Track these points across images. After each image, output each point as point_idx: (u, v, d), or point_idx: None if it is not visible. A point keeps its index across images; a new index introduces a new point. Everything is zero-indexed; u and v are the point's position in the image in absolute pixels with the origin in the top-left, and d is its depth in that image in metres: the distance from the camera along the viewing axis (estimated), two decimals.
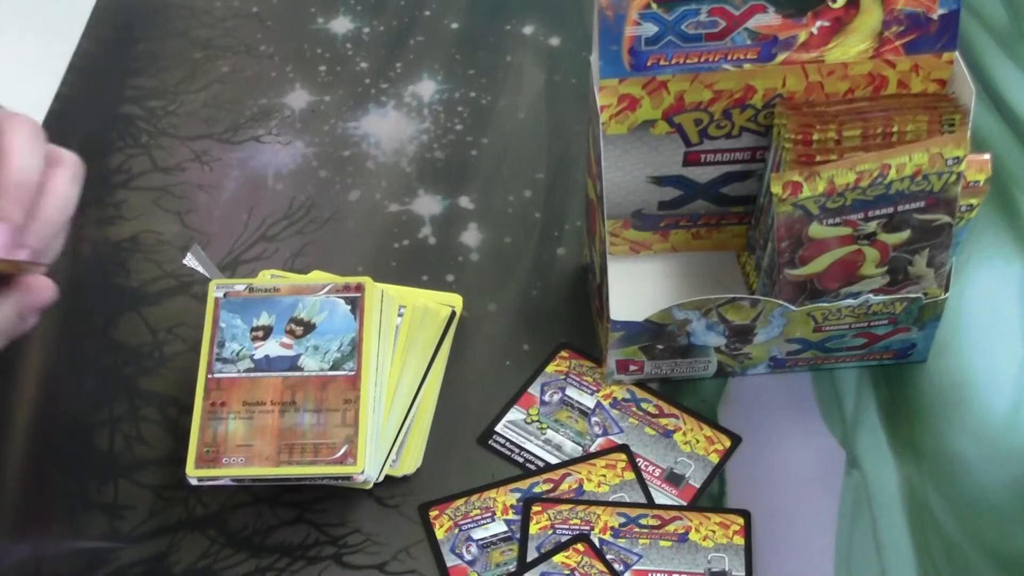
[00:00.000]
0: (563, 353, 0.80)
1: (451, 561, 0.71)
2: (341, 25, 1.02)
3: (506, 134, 0.94)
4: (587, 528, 0.72)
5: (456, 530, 0.72)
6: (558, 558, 0.70)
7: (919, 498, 0.73)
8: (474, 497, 0.73)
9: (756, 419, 0.77)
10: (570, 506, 0.73)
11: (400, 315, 0.77)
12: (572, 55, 0.99)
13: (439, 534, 0.72)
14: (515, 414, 0.77)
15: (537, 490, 0.74)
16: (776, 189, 0.69)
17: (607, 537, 0.71)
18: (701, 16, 0.70)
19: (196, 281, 0.85)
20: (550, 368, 0.79)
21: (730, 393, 0.78)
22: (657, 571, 0.70)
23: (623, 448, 0.75)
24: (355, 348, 0.73)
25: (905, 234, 0.71)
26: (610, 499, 0.73)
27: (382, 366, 0.74)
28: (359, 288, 0.75)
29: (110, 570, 0.71)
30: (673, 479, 0.74)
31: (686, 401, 0.78)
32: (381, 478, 0.72)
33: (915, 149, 0.69)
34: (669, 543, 0.71)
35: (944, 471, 0.74)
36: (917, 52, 0.72)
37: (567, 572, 0.70)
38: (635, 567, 0.70)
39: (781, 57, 0.72)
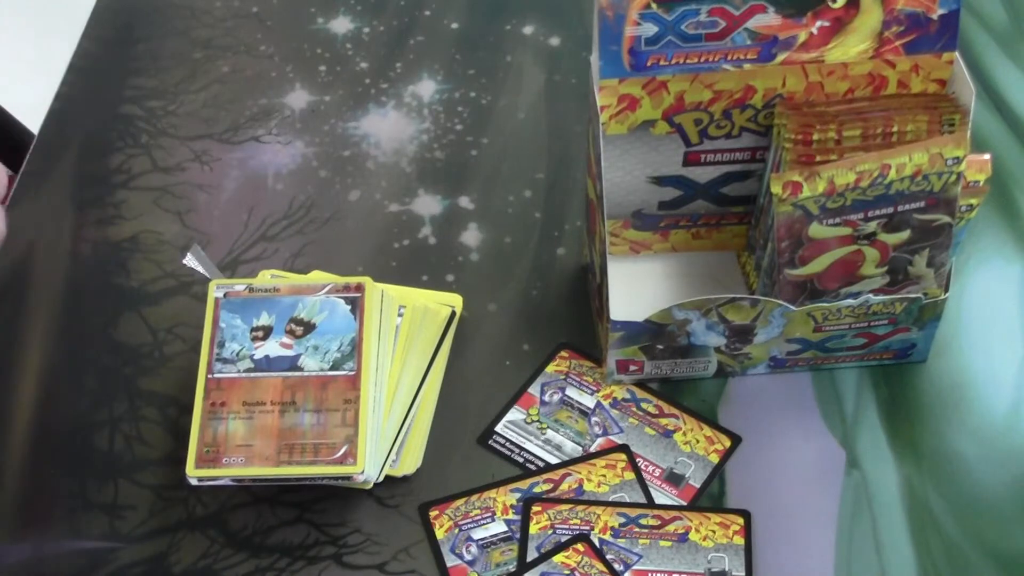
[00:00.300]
0: (563, 353, 0.80)
1: (451, 561, 0.71)
2: (341, 25, 1.02)
3: (506, 134, 0.94)
4: (587, 528, 0.72)
5: (456, 530, 0.72)
6: (558, 558, 0.70)
7: (919, 498, 0.73)
8: (474, 497, 0.73)
9: (756, 419, 0.77)
10: (570, 506, 0.73)
11: (400, 315, 0.77)
12: (572, 55, 0.99)
13: (439, 534, 0.72)
14: (515, 414, 0.77)
15: (537, 490, 0.74)
16: (776, 189, 0.69)
17: (607, 537, 0.71)
18: (701, 16, 0.70)
19: (196, 281, 0.85)
20: (550, 368, 0.79)
21: (730, 393, 0.78)
22: (657, 571, 0.70)
23: (623, 448, 0.75)
24: (355, 348, 0.73)
25: (905, 234, 0.71)
26: (610, 499, 0.73)
27: (382, 366, 0.74)
28: (359, 288, 0.75)
29: (110, 570, 0.71)
30: (673, 479, 0.74)
31: (686, 401, 0.78)
32: (381, 478, 0.72)
33: (915, 149, 0.69)
34: (669, 543, 0.71)
35: (944, 471, 0.74)
36: (917, 52, 0.72)
37: (567, 572, 0.70)
38: (635, 567, 0.70)
39: (781, 57, 0.72)
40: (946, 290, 0.74)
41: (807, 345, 0.76)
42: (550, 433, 0.76)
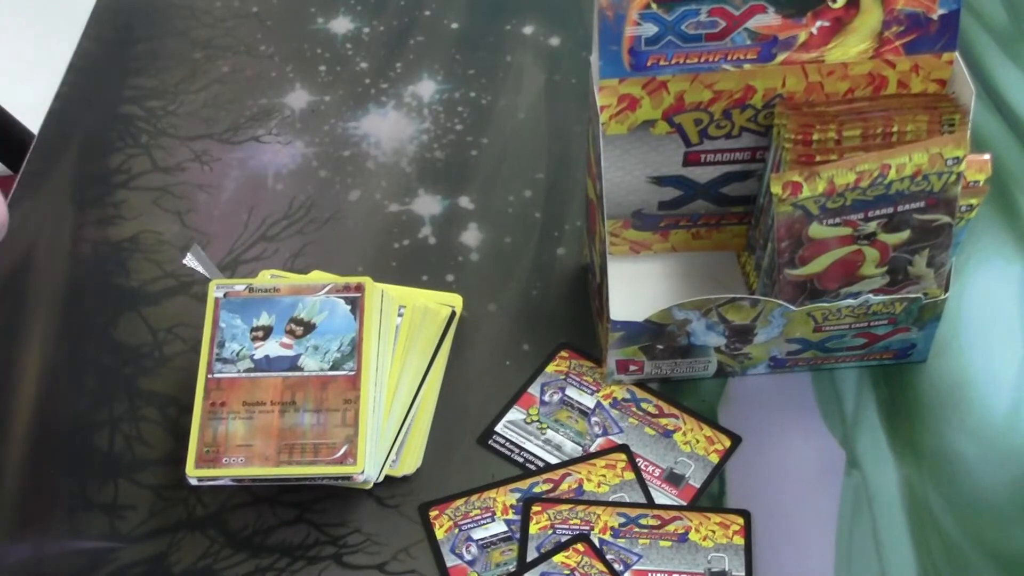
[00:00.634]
0: (563, 353, 0.80)
1: (451, 561, 0.71)
2: (341, 25, 1.02)
3: (506, 134, 0.94)
4: (587, 528, 0.72)
5: (456, 530, 0.72)
6: (558, 558, 0.70)
7: (919, 498, 0.73)
8: (474, 497, 0.73)
9: (756, 419, 0.77)
10: (570, 506, 0.73)
11: (400, 315, 0.77)
12: (572, 55, 0.99)
13: (439, 534, 0.72)
14: (515, 414, 0.77)
15: (537, 490, 0.74)
16: (776, 189, 0.69)
17: (607, 537, 0.71)
18: (701, 16, 0.70)
19: (196, 281, 0.85)
20: (550, 368, 0.79)
21: (730, 393, 0.78)
22: (657, 571, 0.70)
23: (623, 448, 0.75)
24: (355, 348, 0.73)
25: (905, 234, 0.71)
26: (610, 499, 0.73)
27: (382, 366, 0.74)
28: (359, 288, 0.75)
29: (110, 570, 0.71)
30: (673, 479, 0.74)
31: (686, 401, 0.78)
32: (381, 478, 0.72)
33: (915, 149, 0.69)
34: (669, 543, 0.71)
35: (944, 471, 0.74)
36: (917, 52, 0.72)
37: (567, 572, 0.70)
38: (635, 567, 0.70)
39: (781, 57, 0.72)
40: (946, 290, 0.74)
41: (807, 345, 0.76)
42: (550, 433, 0.76)
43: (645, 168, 0.77)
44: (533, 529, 0.72)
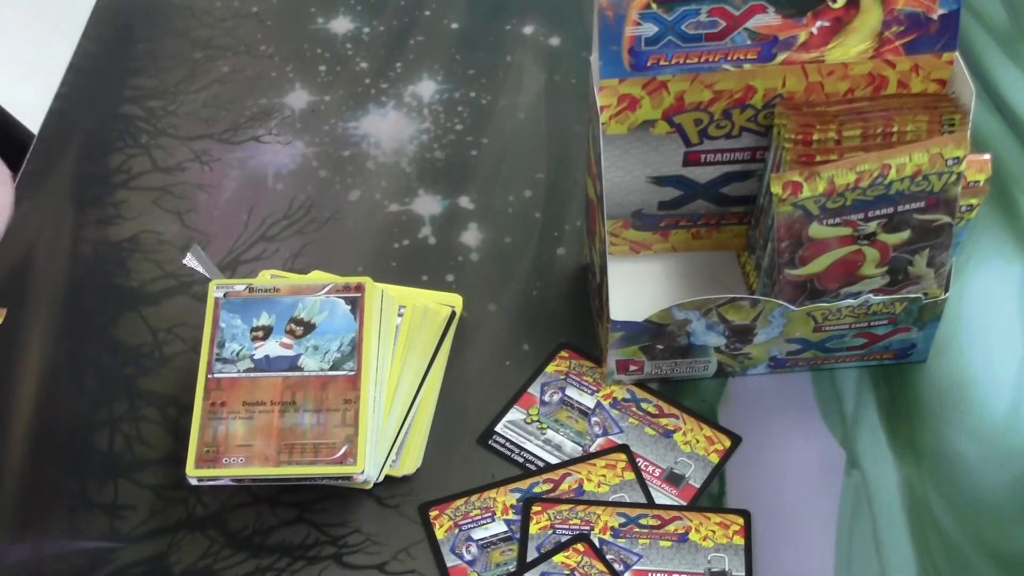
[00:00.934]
0: (563, 353, 0.80)
1: (451, 561, 0.71)
2: (341, 25, 1.02)
3: (506, 134, 0.94)
4: (587, 528, 0.72)
5: (456, 530, 0.72)
6: (558, 558, 0.70)
7: (919, 498, 0.73)
8: (474, 497, 0.73)
9: (756, 419, 0.77)
10: (570, 506, 0.73)
11: (400, 315, 0.77)
12: (572, 55, 0.99)
13: (439, 534, 0.72)
14: (515, 414, 0.77)
15: (537, 490, 0.74)
16: (776, 189, 0.69)
17: (607, 537, 0.71)
18: (701, 16, 0.70)
19: (196, 281, 0.85)
20: (550, 368, 0.79)
21: (730, 393, 0.78)
22: (657, 571, 0.70)
23: (623, 448, 0.75)
24: (355, 348, 0.73)
25: (905, 234, 0.71)
26: (610, 499, 0.73)
27: (382, 366, 0.74)
28: (359, 288, 0.75)
29: (110, 570, 0.71)
30: (673, 479, 0.74)
31: (686, 401, 0.78)
32: (381, 478, 0.72)
33: (915, 149, 0.69)
34: (669, 543, 0.71)
35: (944, 471, 0.74)
36: (917, 52, 0.72)
37: (567, 572, 0.70)
38: (635, 567, 0.70)
39: (781, 57, 0.72)
40: (946, 290, 0.74)
41: (807, 345, 0.76)
42: (550, 433, 0.76)
43: (645, 168, 0.77)
44: (533, 529, 0.72)
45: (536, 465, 0.75)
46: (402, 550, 0.72)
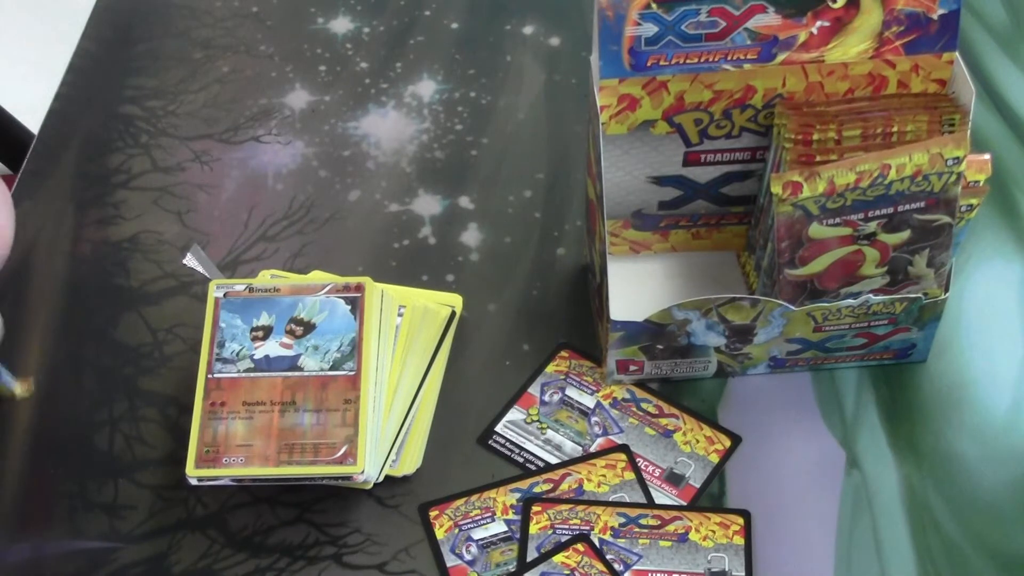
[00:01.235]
0: (563, 353, 0.80)
1: (451, 561, 0.71)
2: (341, 25, 1.02)
3: (506, 134, 0.94)
4: (587, 528, 0.72)
5: (456, 530, 0.72)
6: (558, 558, 0.70)
7: (919, 498, 0.73)
8: (474, 497, 0.73)
9: (756, 419, 0.77)
10: (570, 506, 0.73)
11: (400, 315, 0.77)
12: (572, 55, 0.99)
13: (439, 534, 0.72)
14: (515, 414, 0.77)
15: (537, 490, 0.74)
16: (776, 189, 0.69)
17: (607, 537, 0.71)
18: (701, 16, 0.70)
19: (196, 281, 0.85)
20: (550, 368, 0.79)
21: (730, 393, 0.78)
22: (657, 571, 0.70)
23: (623, 448, 0.75)
24: (355, 348, 0.73)
25: (905, 234, 0.71)
26: (610, 499, 0.73)
27: (382, 366, 0.74)
28: (359, 288, 0.75)
29: (110, 570, 0.71)
30: (673, 479, 0.74)
31: (686, 401, 0.78)
32: (381, 478, 0.72)
33: (915, 149, 0.69)
34: (669, 543, 0.71)
35: (944, 471, 0.74)
36: (917, 52, 0.72)
37: (567, 572, 0.70)
38: (635, 567, 0.70)
39: (781, 57, 0.72)
40: (946, 290, 0.74)
41: (807, 345, 0.76)
42: (550, 433, 0.76)
43: (645, 168, 0.77)
44: (533, 529, 0.72)
45: (536, 465, 0.75)
46: (402, 550, 0.72)
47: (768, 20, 0.70)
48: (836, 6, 0.70)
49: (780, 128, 0.73)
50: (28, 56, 1.00)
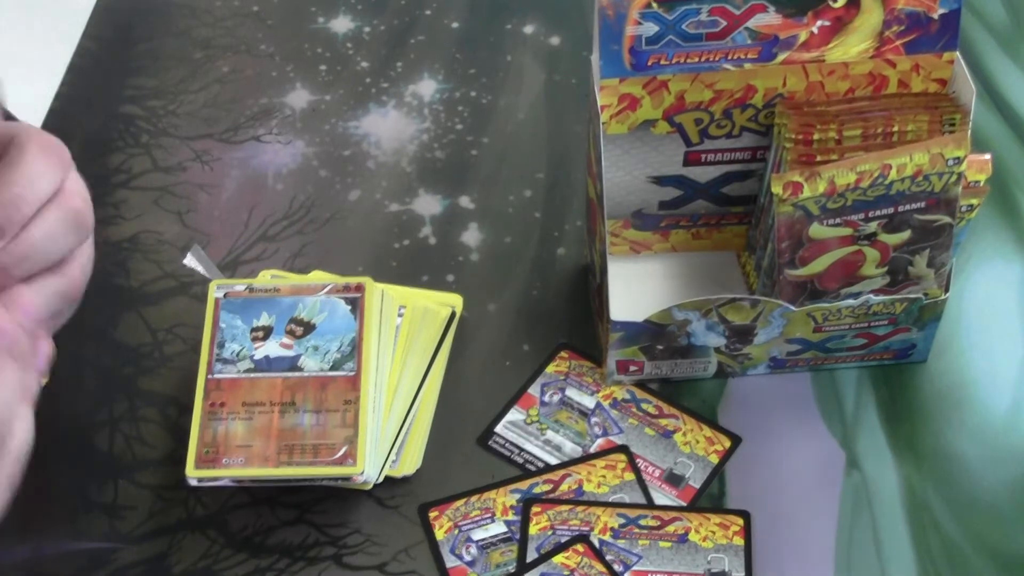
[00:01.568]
0: (563, 353, 0.80)
1: (451, 562, 0.71)
2: (342, 24, 1.02)
3: (506, 134, 0.93)
4: (587, 529, 0.72)
5: (456, 531, 0.72)
6: (558, 559, 0.70)
7: (919, 498, 0.73)
8: (474, 498, 0.73)
9: (756, 419, 0.77)
10: (570, 507, 0.72)
11: (400, 315, 0.77)
12: (572, 55, 0.99)
13: (439, 535, 0.72)
14: (515, 414, 0.77)
15: (537, 491, 0.74)
16: (777, 189, 0.69)
17: (607, 538, 0.71)
18: (702, 16, 0.69)
19: (196, 281, 0.85)
20: (550, 368, 0.79)
21: (730, 393, 0.78)
22: (657, 572, 0.70)
23: (623, 449, 0.75)
24: (355, 348, 0.73)
25: (905, 234, 0.71)
26: (610, 500, 0.73)
27: (382, 366, 0.74)
28: (359, 288, 0.75)
29: (110, 570, 0.71)
30: (673, 480, 0.74)
31: (686, 401, 0.78)
32: (381, 479, 0.72)
33: (916, 149, 0.68)
34: (669, 544, 0.71)
35: (944, 471, 0.74)
36: (918, 52, 0.72)
37: (567, 573, 0.70)
38: (635, 568, 0.70)
39: (782, 57, 0.72)
40: (946, 290, 0.74)
41: (807, 345, 0.76)
42: (550, 434, 0.76)
43: (645, 168, 0.77)
44: (533, 530, 0.72)
45: (536, 466, 0.75)
46: (402, 551, 0.72)
47: (769, 20, 0.70)
48: (836, 6, 0.70)
49: (780, 128, 0.73)
50: (28, 56, 1.00)
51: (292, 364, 0.72)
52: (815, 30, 0.71)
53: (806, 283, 0.72)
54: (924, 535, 0.72)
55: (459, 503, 0.73)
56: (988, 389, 0.78)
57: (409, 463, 0.74)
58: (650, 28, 0.70)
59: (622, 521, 0.72)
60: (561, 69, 0.98)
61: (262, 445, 0.69)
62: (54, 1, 1.06)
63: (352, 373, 0.72)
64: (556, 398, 0.78)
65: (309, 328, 0.73)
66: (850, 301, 0.72)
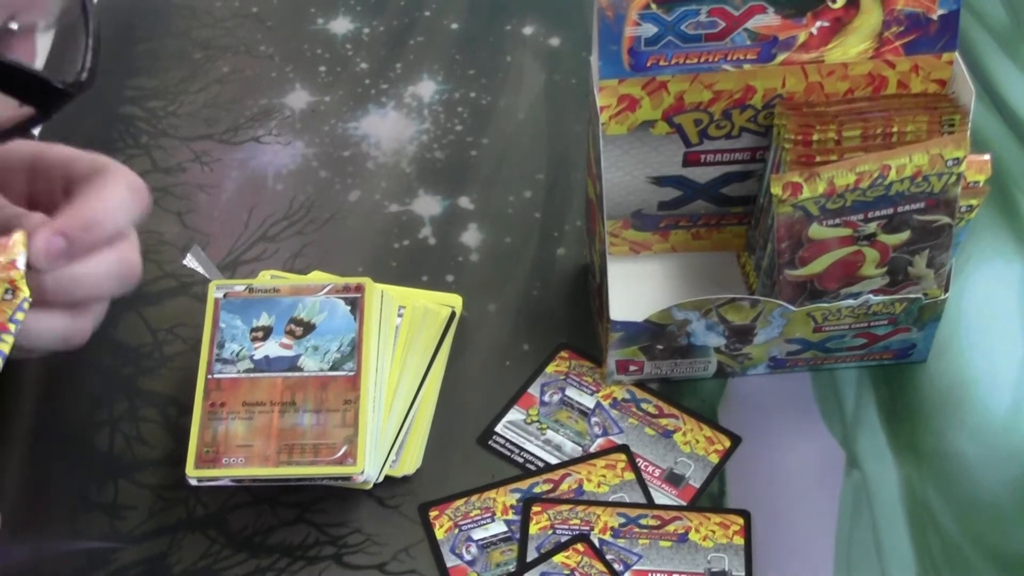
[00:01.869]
0: (563, 353, 0.80)
1: (451, 561, 0.71)
2: (341, 25, 1.02)
3: (506, 134, 0.94)
4: (587, 528, 0.72)
5: (456, 530, 0.72)
6: (558, 558, 0.70)
7: (919, 498, 0.73)
8: (474, 497, 0.73)
9: (756, 419, 0.77)
10: (570, 506, 0.73)
11: (400, 315, 0.77)
12: (572, 55, 0.99)
13: (439, 534, 0.72)
14: (515, 414, 0.77)
15: (537, 490, 0.74)
16: (776, 190, 0.69)
17: (607, 537, 0.71)
18: (701, 16, 0.70)
19: (196, 281, 0.85)
20: (550, 368, 0.79)
21: (730, 393, 0.78)
22: (657, 571, 0.70)
23: (623, 448, 0.75)
24: (355, 348, 0.73)
25: (905, 235, 0.71)
26: (610, 499, 0.73)
27: (382, 366, 0.74)
28: (359, 288, 0.75)
29: (110, 570, 0.71)
30: (673, 479, 0.74)
31: (686, 401, 0.78)
32: (381, 478, 0.72)
33: (915, 150, 0.69)
34: (669, 543, 0.71)
35: (944, 471, 0.74)
36: (917, 52, 0.72)
37: (567, 572, 0.70)
38: (635, 567, 0.70)
39: (781, 57, 0.72)
40: (946, 290, 0.74)
41: (807, 345, 0.76)
42: (550, 433, 0.76)
43: (645, 168, 0.77)
44: (533, 529, 0.72)
45: (536, 465, 0.75)
46: (402, 550, 0.72)
47: (768, 20, 0.70)
48: (836, 6, 0.70)
49: (780, 128, 0.73)
50: None
51: (292, 364, 0.72)
52: (814, 31, 0.71)
53: (806, 283, 0.72)
54: (924, 535, 0.72)
55: (459, 503, 0.73)
56: (988, 389, 0.78)
57: (409, 463, 0.74)
58: (649, 29, 0.70)
59: (622, 520, 0.72)
60: (561, 69, 0.98)
61: (262, 445, 0.69)
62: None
63: (352, 373, 0.72)
64: (556, 398, 0.78)
65: (309, 328, 0.74)
66: (850, 301, 0.72)
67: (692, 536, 0.71)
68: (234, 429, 0.70)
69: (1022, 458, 0.75)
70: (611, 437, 0.76)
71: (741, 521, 0.72)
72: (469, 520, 0.72)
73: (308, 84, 0.98)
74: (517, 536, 0.72)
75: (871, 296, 0.72)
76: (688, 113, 0.74)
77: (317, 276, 0.83)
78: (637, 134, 0.75)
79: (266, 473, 0.69)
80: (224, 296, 0.75)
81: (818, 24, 0.71)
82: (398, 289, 0.81)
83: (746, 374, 0.78)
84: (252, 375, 0.72)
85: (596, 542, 0.71)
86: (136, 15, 1.04)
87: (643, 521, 0.72)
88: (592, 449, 0.76)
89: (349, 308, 0.74)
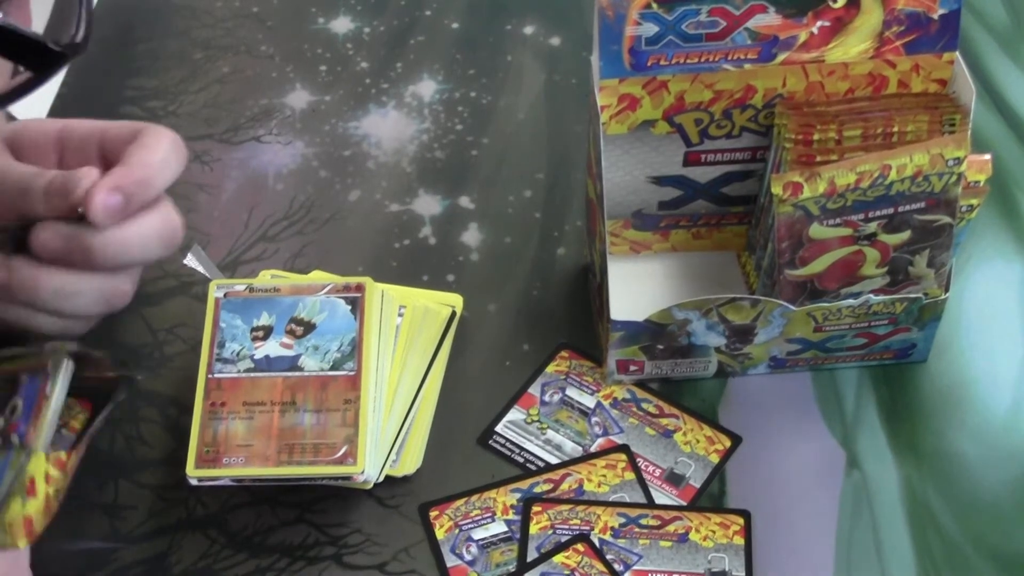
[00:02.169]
0: (563, 353, 0.80)
1: (451, 561, 0.71)
2: (341, 25, 1.02)
3: (506, 134, 0.94)
4: (587, 528, 0.72)
5: (456, 530, 0.72)
6: (558, 558, 0.70)
7: (919, 498, 0.73)
8: (474, 497, 0.73)
9: (756, 419, 0.77)
10: (570, 506, 0.73)
11: (400, 315, 0.77)
12: (572, 55, 0.99)
13: (439, 534, 0.72)
14: (515, 414, 0.77)
15: (537, 490, 0.74)
16: (776, 190, 0.69)
17: (607, 537, 0.71)
18: (701, 16, 0.70)
19: (196, 281, 0.85)
20: (550, 368, 0.79)
21: (730, 393, 0.78)
22: (657, 571, 0.70)
23: (623, 448, 0.75)
24: (355, 348, 0.73)
25: (905, 235, 0.71)
26: (610, 499, 0.73)
27: (382, 366, 0.74)
28: (359, 288, 0.75)
29: (110, 570, 0.71)
30: (673, 479, 0.74)
31: (686, 401, 0.78)
32: (381, 478, 0.72)
33: (916, 150, 0.69)
34: (669, 543, 0.71)
35: (944, 471, 0.74)
36: (918, 52, 0.72)
37: (567, 572, 0.70)
38: (635, 567, 0.70)
39: (781, 57, 0.72)
40: (946, 290, 0.74)
41: (807, 345, 0.76)
42: (550, 433, 0.76)
43: (645, 168, 0.77)
44: (533, 529, 0.72)
45: (536, 465, 0.75)
46: (402, 550, 0.72)
47: (768, 20, 0.70)
48: (836, 6, 0.70)
49: (780, 128, 0.73)
50: None
51: (292, 364, 0.72)
52: (815, 30, 0.71)
53: (806, 283, 0.72)
54: (924, 535, 0.72)
55: (459, 503, 0.73)
56: (988, 389, 0.78)
57: (409, 462, 0.74)
58: (650, 28, 0.70)
59: (622, 520, 0.72)
60: (561, 69, 0.98)
61: (262, 444, 0.69)
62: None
63: (352, 373, 0.72)
64: (556, 398, 0.78)
65: (309, 328, 0.73)
66: (850, 301, 0.72)
67: (692, 536, 0.71)
68: (234, 429, 0.70)
69: (1022, 458, 0.75)
70: (611, 437, 0.76)
71: (741, 521, 0.72)
72: (469, 520, 0.72)
73: (308, 84, 0.98)
74: (517, 536, 0.72)
75: (871, 296, 0.72)
76: (689, 113, 0.74)
77: (317, 276, 0.83)
78: (638, 134, 0.75)
79: (266, 473, 0.69)
80: (224, 296, 0.75)
81: (819, 24, 0.71)
82: (398, 289, 0.81)
83: (746, 374, 0.78)
84: (252, 375, 0.72)
85: (596, 542, 0.71)
86: (136, 15, 1.03)
87: (643, 521, 0.72)
88: (592, 449, 0.75)
89: (349, 308, 0.74)
